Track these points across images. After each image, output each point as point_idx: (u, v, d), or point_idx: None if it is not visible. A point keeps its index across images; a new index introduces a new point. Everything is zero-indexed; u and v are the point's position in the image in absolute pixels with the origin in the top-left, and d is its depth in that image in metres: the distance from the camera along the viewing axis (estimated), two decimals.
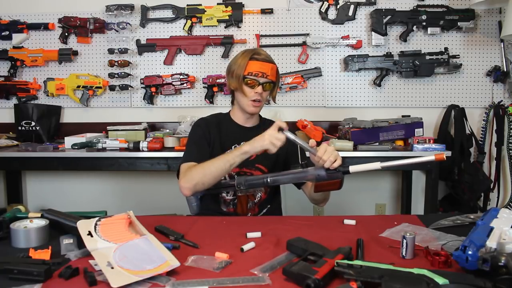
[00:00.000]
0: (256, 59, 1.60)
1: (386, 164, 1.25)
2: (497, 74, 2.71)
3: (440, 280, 0.82)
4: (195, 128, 1.68)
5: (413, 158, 1.25)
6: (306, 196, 1.66)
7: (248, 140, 1.62)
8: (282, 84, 2.73)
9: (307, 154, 1.37)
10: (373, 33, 2.70)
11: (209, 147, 1.61)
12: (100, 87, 2.80)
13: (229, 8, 2.72)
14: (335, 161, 1.28)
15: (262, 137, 1.40)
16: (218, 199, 1.63)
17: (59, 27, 2.82)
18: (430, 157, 1.20)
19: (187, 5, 2.74)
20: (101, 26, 2.78)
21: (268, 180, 1.39)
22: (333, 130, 2.71)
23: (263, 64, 1.59)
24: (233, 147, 1.62)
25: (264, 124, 1.74)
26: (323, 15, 2.74)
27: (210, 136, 1.63)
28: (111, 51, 2.78)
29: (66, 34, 2.81)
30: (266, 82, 1.59)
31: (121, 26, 2.76)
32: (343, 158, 1.34)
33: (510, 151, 2.69)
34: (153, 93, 2.79)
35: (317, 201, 1.62)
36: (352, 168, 1.28)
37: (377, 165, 1.25)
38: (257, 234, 1.20)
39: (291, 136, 1.35)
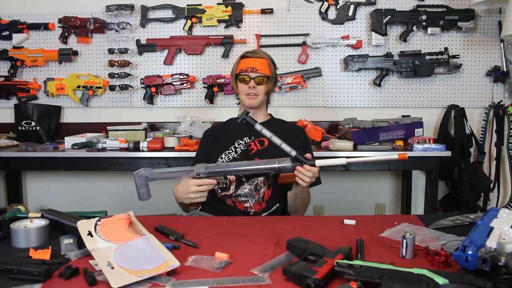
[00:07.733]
0: (247, 56, 1.67)
1: (351, 160, 1.32)
2: (497, 74, 2.71)
3: (440, 280, 0.82)
4: (200, 141, 1.81)
5: (377, 156, 1.30)
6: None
7: (250, 135, 1.64)
8: (282, 84, 2.73)
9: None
10: (373, 33, 2.70)
11: (207, 159, 1.63)
12: (100, 87, 2.80)
13: (229, 8, 2.72)
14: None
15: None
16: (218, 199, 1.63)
17: (59, 27, 2.81)
18: (393, 156, 1.26)
19: (187, 5, 2.74)
20: (101, 26, 2.78)
21: (231, 170, 1.40)
22: (333, 130, 2.70)
23: (253, 60, 1.65)
24: (236, 143, 1.65)
25: (271, 122, 1.74)
26: (323, 15, 2.73)
27: (209, 145, 1.70)
28: (111, 51, 2.78)
29: (66, 34, 2.81)
30: (258, 76, 1.63)
31: (121, 26, 2.76)
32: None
33: (510, 151, 2.69)
34: (153, 93, 2.79)
35: (290, 208, 1.63)
36: (318, 162, 1.33)
37: (342, 160, 1.31)
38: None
39: (266, 133, 1.40)
